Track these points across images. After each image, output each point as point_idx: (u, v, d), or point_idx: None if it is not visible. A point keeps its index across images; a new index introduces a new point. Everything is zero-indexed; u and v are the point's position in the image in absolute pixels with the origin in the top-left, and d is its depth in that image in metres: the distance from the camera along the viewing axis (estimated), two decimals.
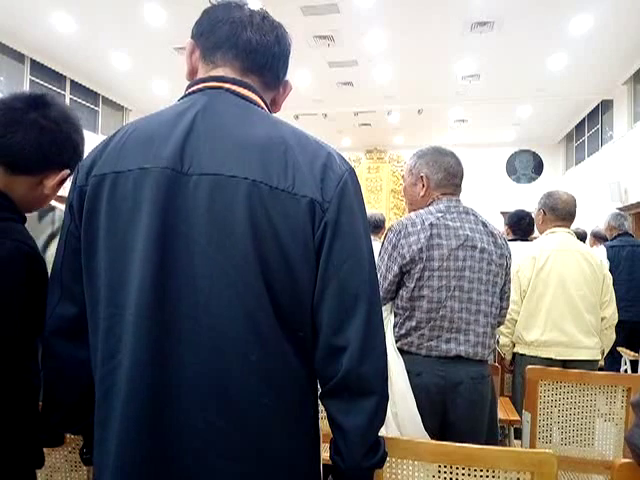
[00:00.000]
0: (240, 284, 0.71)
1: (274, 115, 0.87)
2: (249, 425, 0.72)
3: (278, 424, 0.74)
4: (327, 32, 6.46)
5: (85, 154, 0.94)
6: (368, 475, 0.79)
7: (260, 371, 0.72)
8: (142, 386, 0.71)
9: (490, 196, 10.52)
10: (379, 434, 0.80)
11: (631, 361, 3.96)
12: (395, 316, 1.58)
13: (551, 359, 2.22)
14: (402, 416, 1.35)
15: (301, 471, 0.78)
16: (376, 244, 2.15)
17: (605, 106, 8.79)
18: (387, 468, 0.98)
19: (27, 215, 0.97)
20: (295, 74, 7.00)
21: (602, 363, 2.45)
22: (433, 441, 1.02)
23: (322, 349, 0.76)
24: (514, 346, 2.39)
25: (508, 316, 2.33)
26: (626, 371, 3.97)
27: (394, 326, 1.57)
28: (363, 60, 7.32)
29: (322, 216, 0.73)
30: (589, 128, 9.66)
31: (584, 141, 9.90)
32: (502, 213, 9.30)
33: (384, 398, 0.78)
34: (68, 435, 1.11)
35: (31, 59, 7.49)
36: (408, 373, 1.43)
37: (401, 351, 1.52)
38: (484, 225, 1.60)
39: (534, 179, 11.69)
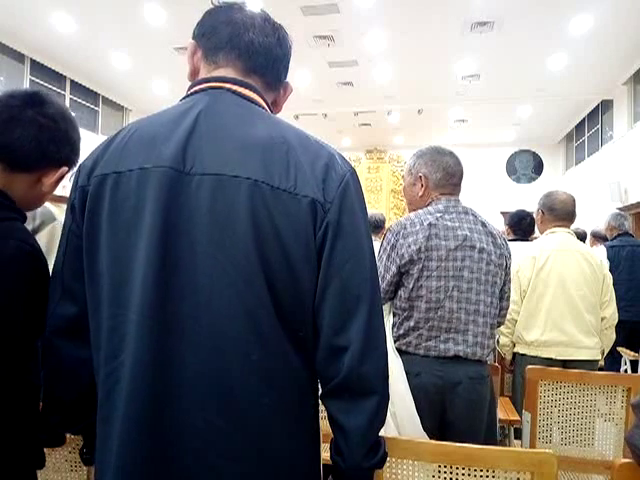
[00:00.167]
0: (241, 283, 0.71)
1: (276, 116, 0.87)
2: (249, 425, 0.72)
3: (278, 424, 0.74)
4: (327, 32, 6.46)
5: (84, 154, 0.94)
6: (368, 475, 0.79)
7: (260, 371, 0.72)
8: (143, 386, 0.71)
9: (490, 196, 10.52)
10: (379, 434, 0.80)
11: (631, 361, 3.96)
12: (394, 316, 1.58)
13: (551, 359, 2.22)
14: (401, 416, 1.34)
15: (301, 471, 0.78)
16: (376, 244, 2.14)
17: (605, 106, 8.79)
18: (387, 468, 0.98)
19: None
20: (295, 74, 7.00)
21: (602, 363, 2.45)
22: (433, 441, 1.02)
23: (323, 349, 0.76)
24: (514, 346, 2.39)
25: (508, 316, 2.32)
26: (626, 371, 3.97)
27: (392, 326, 1.57)
28: (363, 60, 7.32)
29: (324, 216, 0.73)
30: (589, 128, 9.66)
31: (584, 141, 9.91)
32: (502, 213, 9.30)
33: (385, 398, 0.78)
34: (68, 435, 1.11)
35: (31, 59, 7.49)
36: (407, 373, 1.43)
37: (399, 351, 1.52)
38: (483, 225, 1.60)
39: (534, 179, 11.69)
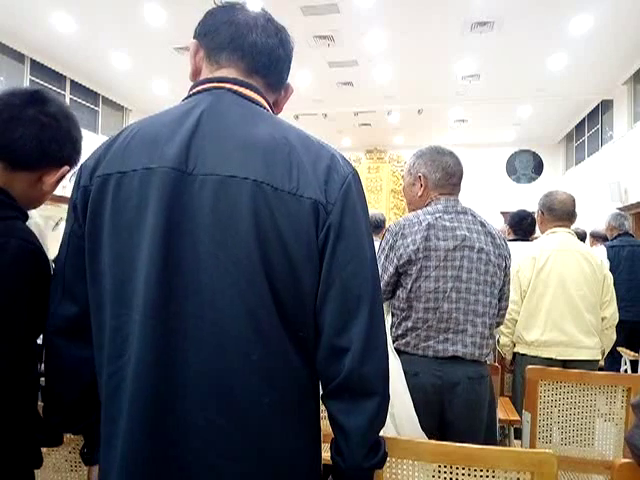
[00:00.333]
0: (243, 283, 0.71)
1: (277, 116, 0.87)
2: (250, 425, 0.72)
3: (279, 424, 0.75)
4: (327, 32, 6.46)
5: (84, 154, 0.94)
6: (368, 475, 0.79)
7: (261, 370, 0.73)
8: (147, 385, 0.71)
9: (490, 196, 10.52)
10: (379, 434, 0.81)
11: (631, 361, 3.96)
12: (392, 316, 1.58)
13: (551, 359, 2.22)
14: (399, 416, 1.34)
15: (302, 471, 0.78)
16: (376, 244, 2.14)
17: (605, 106, 8.79)
18: (387, 468, 0.98)
19: None
20: (295, 74, 7.00)
21: (602, 363, 2.45)
22: (433, 441, 1.02)
23: (324, 349, 0.76)
24: (514, 346, 2.39)
25: (508, 316, 2.33)
26: (626, 371, 3.97)
27: (391, 326, 1.57)
28: (363, 60, 7.32)
29: (326, 218, 0.74)
30: (589, 128, 9.66)
31: (584, 141, 9.90)
32: (502, 213, 9.30)
33: (385, 399, 0.78)
34: (68, 435, 1.11)
35: (31, 59, 7.49)
36: (405, 373, 1.44)
37: (398, 351, 1.52)
38: (482, 225, 1.60)
39: (534, 179, 11.69)
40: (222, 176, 0.72)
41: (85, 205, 0.77)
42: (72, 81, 8.37)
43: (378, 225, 3.98)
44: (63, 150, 0.95)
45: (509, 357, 2.44)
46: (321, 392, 0.82)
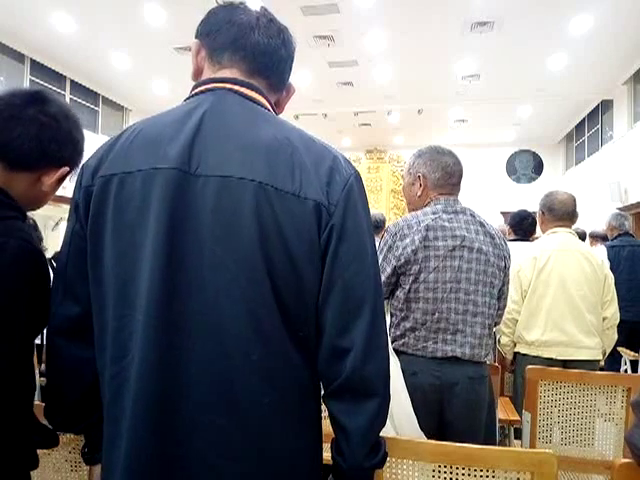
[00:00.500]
0: (244, 281, 0.71)
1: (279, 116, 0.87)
2: (250, 425, 0.72)
3: (279, 424, 0.75)
4: (327, 32, 6.46)
5: (86, 155, 0.94)
6: (369, 475, 0.79)
7: (262, 370, 0.73)
8: (150, 385, 0.71)
9: (490, 196, 10.52)
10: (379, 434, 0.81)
11: (631, 361, 3.96)
12: (391, 316, 1.58)
13: (552, 359, 2.22)
14: (398, 416, 1.34)
15: (302, 471, 0.78)
16: (376, 244, 2.15)
17: (605, 106, 8.79)
18: (387, 468, 0.98)
19: None
20: (295, 74, 6.99)
21: (602, 363, 2.44)
22: (433, 441, 1.02)
23: (326, 350, 0.76)
24: (515, 346, 2.39)
25: (509, 316, 2.33)
26: (626, 371, 3.97)
27: (390, 327, 1.57)
28: (363, 60, 7.32)
29: (328, 219, 0.74)
30: (589, 128, 9.66)
31: (584, 141, 9.90)
32: (502, 213, 9.30)
33: (386, 399, 0.78)
34: (68, 435, 1.11)
35: (31, 59, 7.49)
36: (403, 372, 1.43)
37: (397, 352, 1.52)
38: (482, 225, 1.60)
39: (534, 179, 11.69)
40: (225, 177, 0.72)
41: (87, 205, 0.77)
42: (72, 81, 8.37)
43: (378, 225, 4.00)
44: (63, 150, 0.95)
45: (510, 357, 2.44)
46: (322, 392, 0.82)
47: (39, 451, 0.91)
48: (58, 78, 8.10)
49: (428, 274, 1.50)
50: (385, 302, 1.60)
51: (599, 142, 9.02)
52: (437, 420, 1.50)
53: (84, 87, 8.67)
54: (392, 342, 1.54)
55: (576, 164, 10.37)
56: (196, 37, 0.87)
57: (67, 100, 8.15)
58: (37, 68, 7.63)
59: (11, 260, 0.81)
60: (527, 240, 3.11)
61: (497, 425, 1.82)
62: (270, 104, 0.86)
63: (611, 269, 2.39)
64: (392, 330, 1.56)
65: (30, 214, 1.09)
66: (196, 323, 0.71)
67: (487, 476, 0.95)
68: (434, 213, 1.57)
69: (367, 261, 0.76)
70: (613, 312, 2.31)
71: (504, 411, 2.13)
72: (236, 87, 0.82)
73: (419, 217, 1.57)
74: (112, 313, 0.75)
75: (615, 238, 4.16)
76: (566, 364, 2.20)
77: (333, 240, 0.74)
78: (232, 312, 0.71)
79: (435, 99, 8.82)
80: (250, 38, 0.83)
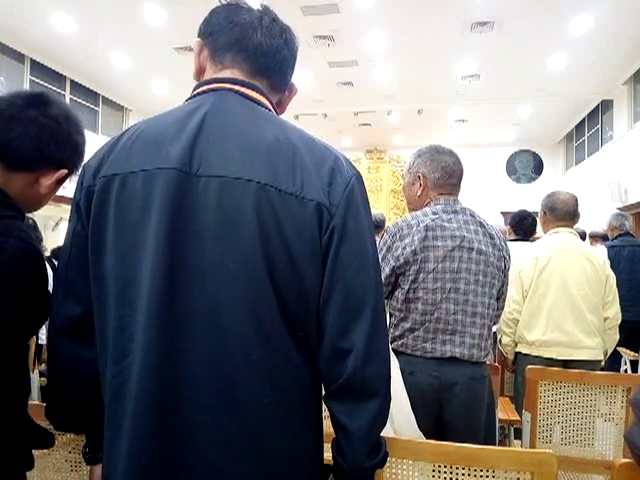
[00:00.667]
0: (245, 281, 0.71)
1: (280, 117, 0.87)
2: (251, 425, 0.72)
3: (280, 424, 0.75)
4: (327, 32, 6.46)
5: (86, 155, 0.94)
6: (369, 475, 0.79)
7: (263, 370, 0.73)
8: (151, 386, 0.71)
9: (490, 196, 10.52)
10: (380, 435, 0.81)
11: (631, 361, 3.96)
12: (390, 317, 1.58)
13: (552, 359, 2.22)
14: (397, 416, 1.34)
15: (302, 471, 0.78)
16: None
17: (605, 106, 8.79)
18: (387, 468, 0.98)
19: None
20: (295, 74, 7.01)
21: (603, 363, 2.44)
22: (433, 441, 1.02)
23: (327, 350, 0.76)
24: (516, 346, 2.39)
25: (510, 315, 2.33)
26: (626, 371, 3.97)
27: (389, 327, 1.57)
28: (363, 60, 7.32)
29: (329, 220, 0.74)
30: (589, 128, 9.66)
31: (584, 141, 9.90)
32: (502, 213, 9.30)
33: (387, 400, 0.79)
34: (68, 435, 1.11)
35: (31, 59, 7.49)
36: (402, 372, 1.43)
37: (396, 352, 1.51)
38: (482, 226, 1.59)
39: (534, 179, 11.69)
40: (226, 177, 0.72)
41: (89, 205, 0.77)
42: (72, 81, 8.37)
43: (378, 225, 4.01)
44: (62, 152, 0.94)
45: (511, 357, 2.44)
46: (323, 393, 0.82)
47: (39, 451, 0.91)
48: (58, 78, 8.10)
49: (427, 275, 1.50)
50: (385, 302, 1.61)
51: (599, 142, 9.02)
52: (436, 420, 1.50)
53: (84, 87, 8.66)
54: (391, 342, 1.54)
55: (576, 164, 10.37)
56: (198, 36, 0.87)
57: (67, 100, 8.15)
58: (37, 68, 7.63)
59: (10, 259, 0.81)
60: (527, 240, 3.11)
61: (497, 425, 1.82)
62: (271, 104, 0.86)
63: (611, 269, 2.39)
64: (391, 330, 1.55)
65: (30, 214, 1.08)
66: (197, 323, 0.71)
67: (487, 476, 0.95)
68: (434, 213, 1.57)
69: (368, 262, 0.76)
70: (615, 312, 2.31)
71: (504, 411, 2.13)
72: (237, 87, 0.82)
73: (419, 217, 1.57)
74: (113, 313, 0.75)
75: (615, 238, 4.15)
76: (567, 364, 2.20)
77: (334, 241, 0.74)
78: (233, 312, 0.71)
79: (435, 99, 8.82)
80: (252, 39, 0.83)
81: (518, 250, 2.40)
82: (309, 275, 0.74)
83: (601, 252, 3.86)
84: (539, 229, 2.85)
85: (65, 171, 0.96)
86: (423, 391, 1.46)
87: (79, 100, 8.64)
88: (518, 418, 2.02)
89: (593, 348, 2.24)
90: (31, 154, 0.91)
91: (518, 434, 2.04)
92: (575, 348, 2.22)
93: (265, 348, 0.72)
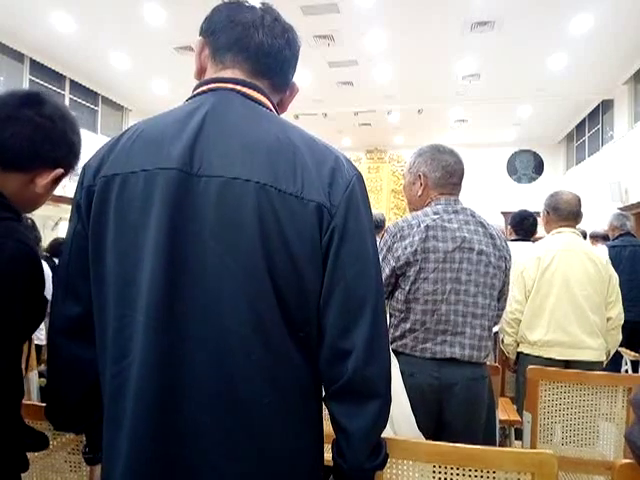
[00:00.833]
0: (245, 280, 0.71)
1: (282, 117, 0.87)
2: (251, 425, 0.72)
3: (280, 424, 0.74)
4: (327, 32, 6.46)
5: (84, 154, 0.93)
6: (370, 476, 0.79)
7: (263, 370, 0.72)
8: (150, 387, 0.71)
9: (491, 196, 10.51)
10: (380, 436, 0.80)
11: (632, 361, 3.95)
12: (390, 317, 1.57)
13: (554, 359, 2.21)
14: (397, 416, 1.34)
15: (303, 471, 0.78)
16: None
17: (605, 106, 8.79)
18: (387, 469, 0.98)
19: None
20: (295, 74, 7.03)
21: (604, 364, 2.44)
22: (433, 442, 1.01)
23: (327, 350, 0.76)
24: (518, 346, 2.38)
25: (512, 316, 2.33)
26: (627, 371, 3.97)
27: (389, 328, 1.56)
28: (363, 60, 7.32)
29: (330, 220, 0.74)
30: (589, 128, 9.66)
31: (585, 141, 9.90)
32: (503, 213, 9.29)
33: (387, 401, 0.78)
34: (68, 436, 1.11)
35: (31, 59, 7.49)
36: (402, 373, 1.43)
37: (396, 352, 1.51)
38: (483, 226, 1.59)
39: (535, 179, 11.69)
40: (227, 178, 0.72)
41: (89, 205, 0.77)
42: (72, 81, 8.37)
43: (378, 225, 4.01)
44: (57, 151, 0.93)
45: (513, 357, 2.44)
46: (323, 394, 0.81)
47: (39, 453, 0.91)
48: (58, 78, 8.10)
49: (428, 275, 1.49)
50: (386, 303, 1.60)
51: (600, 142, 9.02)
52: (435, 420, 1.49)
53: (84, 87, 8.67)
54: (391, 343, 1.54)
55: (577, 164, 10.37)
56: (200, 35, 0.86)
57: (67, 100, 8.16)
58: (37, 68, 7.63)
59: (9, 261, 0.81)
60: (528, 240, 3.11)
61: (497, 426, 1.82)
62: (272, 104, 0.86)
63: None
64: (391, 331, 1.55)
65: (29, 214, 1.08)
66: (197, 323, 0.71)
67: (487, 477, 0.94)
68: (435, 213, 1.56)
69: (369, 262, 0.76)
70: (617, 312, 2.30)
71: (505, 412, 2.13)
72: (238, 87, 0.81)
73: (420, 217, 1.56)
74: (113, 313, 0.74)
75: (616, 238, 4.15)
76: (569, 364, 2.19)
77: (335, 241, 0.74)
78: (233, 311, 0.71)
79: (435, 99, 8.82)
80: (254, 38, 0.82)
81: (519, 250, 2.40)
82: (309, 275, 0.74)
83: (602, 252, 3.85)
84: (540, 229, 2.85)
85: (61, 171, 0.95)
86: (423, 392, 1.46)
87: (79, 100, 8.64)
88: (518, 418, 2.02)
89: (595, 349, 2.24)
90: (26, 154, 0.90)
91: (519, 435, 2.04)
92: (577, 348, 2.22)
93: (265, 348, 0.72)
